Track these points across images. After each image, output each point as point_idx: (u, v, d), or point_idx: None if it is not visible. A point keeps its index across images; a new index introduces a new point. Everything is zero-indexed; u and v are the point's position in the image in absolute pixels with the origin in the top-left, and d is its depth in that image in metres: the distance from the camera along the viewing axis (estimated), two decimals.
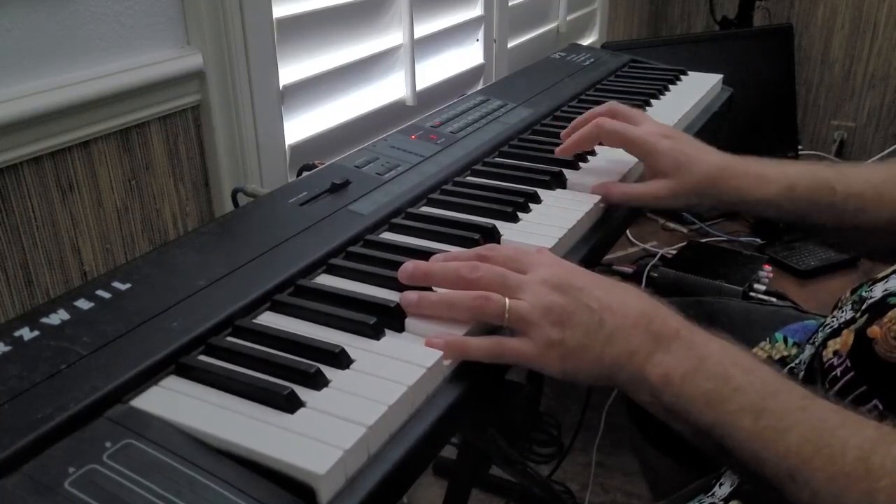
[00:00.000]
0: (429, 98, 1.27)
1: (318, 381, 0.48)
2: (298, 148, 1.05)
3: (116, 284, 0.56)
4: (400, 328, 0.55)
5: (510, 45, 1.55)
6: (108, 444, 0.42)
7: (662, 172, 0.76)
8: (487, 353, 0.54)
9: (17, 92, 0.72)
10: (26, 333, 0.50)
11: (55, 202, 0.78)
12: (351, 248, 0.66)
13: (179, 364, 0.50)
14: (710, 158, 0.75)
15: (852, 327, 0.59)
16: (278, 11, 0.98)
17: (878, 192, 0.71)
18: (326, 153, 1.05)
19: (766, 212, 0.75)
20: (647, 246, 1.57)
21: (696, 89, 1.17)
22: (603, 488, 1.59)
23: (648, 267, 1.39)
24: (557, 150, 0.83)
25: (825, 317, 0.70)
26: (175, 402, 0.47)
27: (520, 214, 0.74)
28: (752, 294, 1.30)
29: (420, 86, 1.25)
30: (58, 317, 0.52)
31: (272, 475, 0.42)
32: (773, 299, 1.30)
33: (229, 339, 0.53)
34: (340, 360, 0.51)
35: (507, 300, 0.55)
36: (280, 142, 1.02)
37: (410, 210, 0.74)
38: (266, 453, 0.43)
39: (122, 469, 0.40)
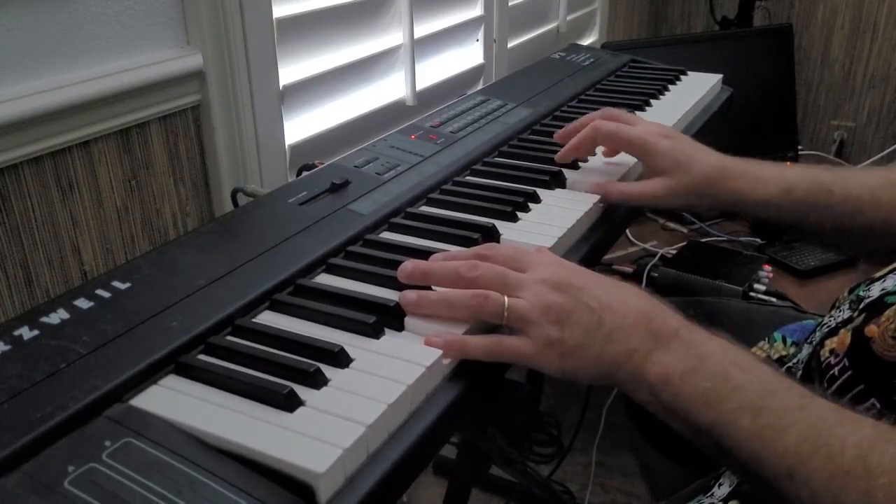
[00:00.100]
0: (429, 98, 1.27)
1: (317, 381, 0.49)
2: (298, 148, 1.05)
3: (116, 284, 0.56)
4: (399, 327, 0.56)
5: (510, 45, 1.55)
6: (107, 443, 0.42)
7: (661, 172, 0.76)
8: (487, 351, 0.54)
9: (17, 92, 0.72)
10: (26, 333, 0.50)
11: (55, 202, 0.78)
12: (350, 248, 0.66)
13: (179, 363, 0.50)
14: (708, 159, 0.76)
15: (849, 326, 0.59)
16: (278, 11, 0.99)
17: (875, 196, 0.71)
18: (326, 153, 1.05)
19: (764, 213, 0.75)
20: (647, 246, 1.57)
21: (695, 89, 1.17)
22: (603, 488, 1.59)
23: (648, 267, 1.40)
24: (557, 156, 0.84)
25: (824, 317, 0.70)
26: (175, 401, 0.47)
27: (519, 214, 0.74)
28: (751, 294, 1.30)
29: (420, 86, 1.26)
30: (58, 316, 0.52)
31: (272, 474, 0.42)
32: (773, 299, 1.30)
33: (229, 338, 0.54)
34: (340, 359, 0.51)
35: (506, 299, 0.55)
36: (280, 142, 1.03)
37: (410, 210, 0.74)
38: (266, 452, 0.43)
39: (122, 468, 0.40)
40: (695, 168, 0.75)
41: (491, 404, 0.59)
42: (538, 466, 1.57)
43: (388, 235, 0.70)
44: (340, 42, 1.11)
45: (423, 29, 1.27)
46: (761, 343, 0.86)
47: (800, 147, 1.93)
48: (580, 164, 0.86)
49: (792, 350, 0.82)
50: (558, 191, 0.80)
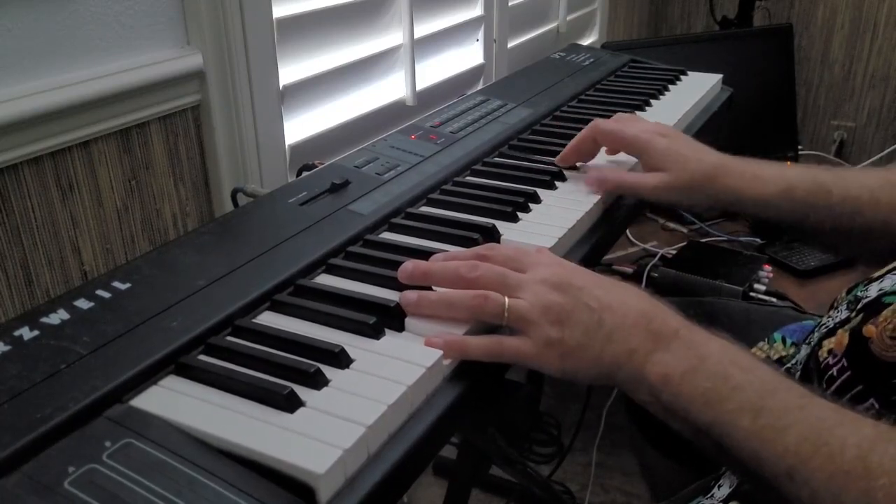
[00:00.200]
0: (429, 98, 1.27)
1: (317, 381, 0.49)
2: (298, 148, 1.05)
3: (116, 284, 0.56)
4: (400, 328, 0.55)
5: (510, 45, 1.55)
6: (107, 444, 0.42)
7: (658, 169, 0.76)
8: (487, 352, 0.54)
9: (17, 92, 0.72)
10: (26, 333, 0.50)
11: (55, 202, 0.78)
12: (350, 248, 0.66)
13: (179, 364, 0.50)
14: (707, 157, 0.76)
15: (847, 327, 0.59)
16: (278, 11, 0.99)
17: (875, 197, 0.72)
18: (326, 153, 1.05)
19: (763, 212, 0.75)
20: (647, 246, 1.57)
21: (695, 89, 1.17)
22: (603, 488, 1.59)
23: (648, 267, 1.40)
24: (558, 158, 0.84)
25: (822, 317, 0.70)
26: (175, 401, 0.47)
27: (519, 214, 0.74)
28: (751, 294, 1.30)
29: (420, 86, 1.26)
30: (58, 316, 0.52)
31: (272, 475, 0.42)
32: (773, 299, 1.30)
33: (229, 338, 0.54)
34: (340, 359, 0.51)
35: (506, 299, 0.55)
36: (280, 142, 1.03)
37: (410, 210, 0.74)
38: (266, 453, 0.43)
39: (122, 469, 0.40)
40: (692, 165, 0.75)
41: (491, 405, 0.59)
42: (538, 466, 1.57)
43: (388, 236, 0.70)
44: (340, 42, 1.11)
45: (423, 29, 1.27)
46: (761, 343, 0.86)
47: (800, 147, 1.93)
48: (579, 164, 0.86)
49: (792, 350, 0.82)
50: (558, 191, 0.80)
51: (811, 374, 0.63)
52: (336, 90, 1.12)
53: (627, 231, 1.59)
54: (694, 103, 1.11)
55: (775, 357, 0.82)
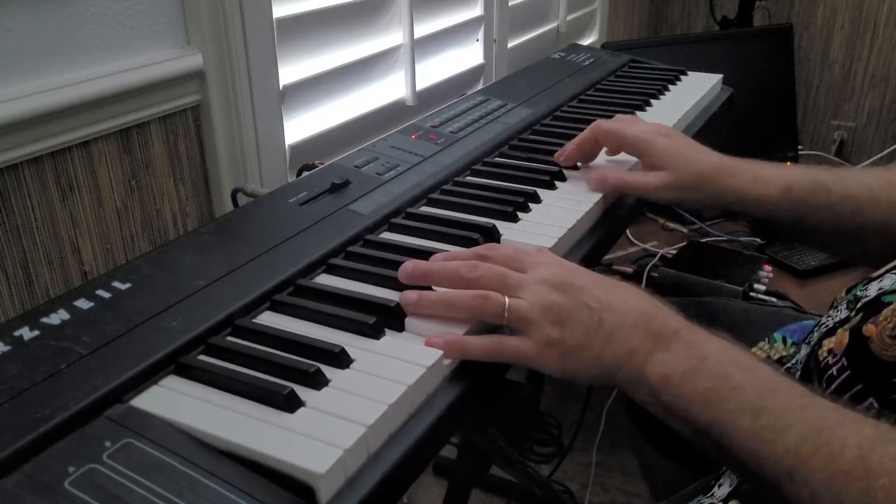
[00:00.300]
0: (429, 98, 1.27)
1: (317, 381, 0.49)
2: (298, 148, 1.05)
3: (116, 284, 0.56)
4: (400, 328, 0.55)
5: (510, 45, 1.55)
6: (107, 444, 0.42)
7: (660, 168, 0.77)
8: (487, 352, 0.54)
9: (17, 92, 0.72)
10: (26, 333, 0.50)
11: (55, 202, 0.78)
12: (351, 248, 0.66)
13: (179, 364, 0.50)
14: (707, 157, 0.76)
15: (847, 326, 0.59)
16: (278, 11, 0.99)
17: (874, 196, 0.72)
18: (326, 153, 1.05)
19: (763, 212, 0.75)
20: (647, 246, 1.57)
21: (695, 89, 1.17)
22: (603, 488, 1.59)
23: (648, 267, 1.40)
24: (560, 158, 0.84)
25: (822, 317, 0.70)
26: (175, 401, 0.47)
27: (520, 214, 0.74)
28: (752, 294, 1.30)
29: (420, 86, 1.25)
30: (58, 317, 0.52)
31: (272, 475, 0.42)
32: (773, 299, 1.30)
33: (229, 338, 0.54)
34: (340, 359, 0.51)
35: (506, 299, 0.55)
36: (280, 142, 1.03)
37: (410, 210, 0.74)
38: (266, 453, 0.43)
39: (122, 469, 0.40)
40: (692, 165, 0.75)
41: (491, 405, 0.59)
42: (538, 466, 1.57)
43: (388, 236, 0.70)
44: (340, 42, 1.11)
45: (423, 29, 1.27)
46: (761, 343, 0.86)
47: (800, 147, 1.93)
48: (580, 164, 0.86)
49: (792, 350, 0.82)
50: (559, 191, 0.80)
51: (811, 373, 0.63)
52: (336, 90, 1.12)
53: (627, 231, 1.59)
54: (694, 103, 1.11)
55: (775, 357, 0.82)
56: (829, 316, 0.66)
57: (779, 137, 1.86)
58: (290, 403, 0.46)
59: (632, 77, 1.23)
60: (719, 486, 0.68)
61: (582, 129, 0.84)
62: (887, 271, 0.62)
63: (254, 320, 0.56)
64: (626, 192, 0.81)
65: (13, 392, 0.45)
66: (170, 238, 0.92)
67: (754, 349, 0.85)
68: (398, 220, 0.72)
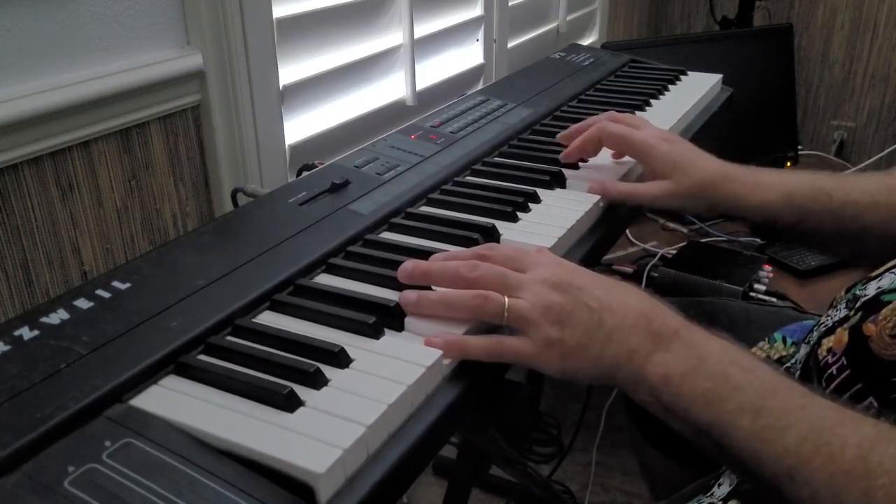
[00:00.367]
0: (429, 98, 1.27)
1: (317, 381, 0.49)
2: (298, 148, 1.05)
3: (116, 284, 0.56)
4: (399, 327, 0.55)
5: (510, 45, 1.56)
6: (107, 444, 0.42)
7: (661, 175, 0.78)
8: (487, 351, 0.54)
9: (17, 92, 0.72)
10: (26, 333, 0.50)
11: (55, 202, 0.78)
12: (350, 248, 0.66)
13: (179, 363, 0.50)
14: (709, 164, 0.77)
15: (846, 325, 0.59)
16: (278, 11, 0.99)
17: (874, 200, 0.73)
18: (326, 153, 1.05)
19: (764, 217, 0.76)
20: (647, 246, 1.57)
21: (695, 89, 1.17)
22: (603, 488, 1.59)
23: (648, 267, 1.39)
24: (562, 155, 0.84)
25: (821, 316, 0.70)
26: (175, 401, 0.47)
27: (519, 214, 0.74)
28: (752, 294, 1.30)
29: (420, 86, 1.26)
30: (58, 316, 0.52)
31: (272, 474, 0.42)
32: (773, 299, 1.30)
33: (229, 338, 0.54)
34: (340, 359, 0.51)
35: (506, 299, 0.55)
36: (280, 142, 1.03)
37: (410, 210, 0.74)
38: (266, 452, 0.43)
39: (122, 468, 0.40)
40: (693, 172, 0.76)
41: (491, 404, 0.59)
42: (538, 466, 1.57)
43: (388, 235, 0.70)
44: (340, 42, 1.11)
45: (423, 29, 1.27)
46: (761, 343, 0.86)
47: (800, 147, 1.93)
48: (580, 164, 0.87)
49: (792, 350, 0.82)
50: (558, 191, 0.80)
51: (810, 372, 0.63)
52: (336, 90, 1.12)
53: (627, 231, 1.59)
54: (694, 103, 1.11)
55: (775, 357, 0.82)
56: (828, 315, 0.66)
57: (779, 137, 1.86)
58: (290, 403, 0.46)
59: (632, 77, 1.23)
60: (719, 485, 0.68)
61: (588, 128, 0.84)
62: (886, 270, 0.62)
63: (253, 320, 0.56)
64: (628, 202, 0.81)
65: (13, 392, 0.45)
66: (170, 238, 0.92)
67: (754, 349, 0.85)
68: (398, 219, 0.72)
